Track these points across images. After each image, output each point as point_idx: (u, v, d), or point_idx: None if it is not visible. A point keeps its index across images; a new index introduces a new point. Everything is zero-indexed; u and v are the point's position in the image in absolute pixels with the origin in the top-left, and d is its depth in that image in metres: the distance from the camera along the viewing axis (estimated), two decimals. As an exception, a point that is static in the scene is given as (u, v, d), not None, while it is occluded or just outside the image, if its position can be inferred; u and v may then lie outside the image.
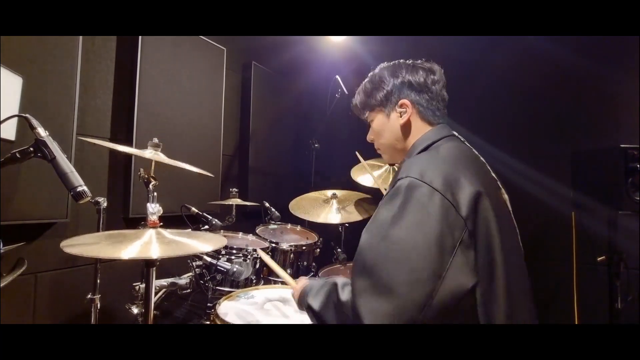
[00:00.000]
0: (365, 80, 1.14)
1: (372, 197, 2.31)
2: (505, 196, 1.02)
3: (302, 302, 1.04)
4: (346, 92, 2.45)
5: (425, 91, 1.04)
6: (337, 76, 2.50)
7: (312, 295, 0.99)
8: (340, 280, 0.94)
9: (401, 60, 1.09)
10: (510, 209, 1.01)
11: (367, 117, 1.14)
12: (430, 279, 0.76)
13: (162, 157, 1.24)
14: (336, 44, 3.04)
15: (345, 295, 0.88)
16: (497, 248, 0.83)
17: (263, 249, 1.87)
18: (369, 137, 1.16)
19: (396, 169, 2.22)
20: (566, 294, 2.20)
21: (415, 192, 0.82)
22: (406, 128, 1.05)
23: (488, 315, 0.81)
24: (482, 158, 1.04)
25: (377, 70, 1.12)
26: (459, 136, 1.05)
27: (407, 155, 1.04)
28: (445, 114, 1.07)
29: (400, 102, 1.04)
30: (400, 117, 1.04)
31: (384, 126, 1.09)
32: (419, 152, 0.99)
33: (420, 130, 1.04)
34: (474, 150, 1.04)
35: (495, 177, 1.04)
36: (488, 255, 0.83)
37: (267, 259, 1.45)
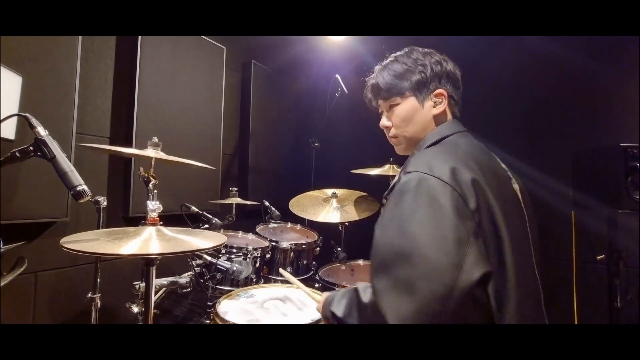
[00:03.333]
0: (389, 60, 1.04)
1: (372, 197, 2.31)
2: (516, 186, 1.00)
3: (326, 313, 1.01)
4: (346, 91, 2.45)
5: (458, 86, 1.03)
6: (337, 75, 2.49)
7: (335, 304, 0.97)
8: (361, 284, 0.91)
9: (427, 49, 1.05)
10: (521, 198, 0.99)
11: (389, 102, 1.04)
12: (448, 271, 0.75)
13: (162, 155, 1.24)
14: (336, 44, 3.04)
15: (367, 297, 0.85)
16: (504, 236, 0.83)
17: (263, 248, 1.88)
18: (386, 123, 1.07)
19: (397, 169, 2.22)
20: (566, 292, 2.20)
21: (426, 186, 0.81)
22: (438, 119, 1.01)
23: (500, 309, 0.81)
24: (492, 154, 1.03)
25: (405, 51, 1.04)
26: (470, 133, 1.03)
27: (416, 148, 1.00)
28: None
29: (438, 91, 1.00)
30: (435, 107, 1.00)
31: (413, 113, 1.01)
32: (428, 146, 0.97)
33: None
34: (483, 145, 1.02)
35: (506, 168, 1.03)
36: (496, 244, 0.82)
37: (289, 276, 1.42)
